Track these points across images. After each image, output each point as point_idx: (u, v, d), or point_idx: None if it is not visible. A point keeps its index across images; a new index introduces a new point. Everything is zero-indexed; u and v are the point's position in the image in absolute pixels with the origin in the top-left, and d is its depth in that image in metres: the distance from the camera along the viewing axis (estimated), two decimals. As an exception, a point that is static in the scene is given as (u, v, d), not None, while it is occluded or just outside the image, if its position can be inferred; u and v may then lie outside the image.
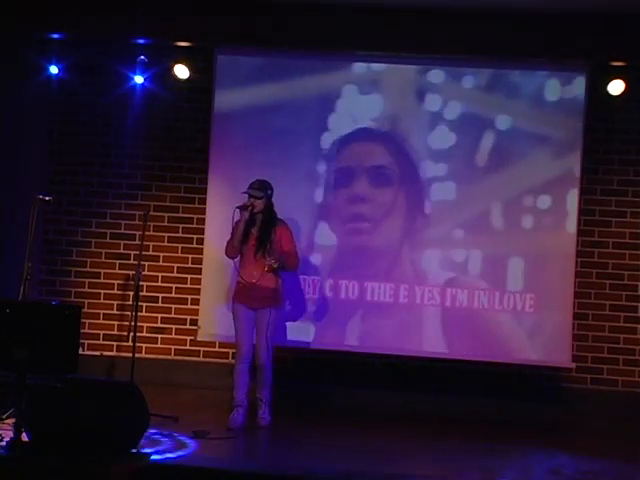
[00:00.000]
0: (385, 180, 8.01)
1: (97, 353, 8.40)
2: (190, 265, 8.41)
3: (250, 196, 6.84)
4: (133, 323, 7.21)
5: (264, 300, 6.84)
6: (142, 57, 8.05)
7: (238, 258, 6.96)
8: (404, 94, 7.99)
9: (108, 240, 8.52)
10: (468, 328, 7.84)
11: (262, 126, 8.06)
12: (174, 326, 8.43)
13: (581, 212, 7.92)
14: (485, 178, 7.93)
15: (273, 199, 6.95)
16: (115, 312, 8.48)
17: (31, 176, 8.30)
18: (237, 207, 6.84)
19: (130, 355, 7.16)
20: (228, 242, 6.95)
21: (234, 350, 7.11)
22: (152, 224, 8.28)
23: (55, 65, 8.15)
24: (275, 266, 6.80)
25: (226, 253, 6.98)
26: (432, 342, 7.88)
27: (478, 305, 7.85)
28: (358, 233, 7.98)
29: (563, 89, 7.85)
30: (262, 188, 6.87)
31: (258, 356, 6.84)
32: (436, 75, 7.96)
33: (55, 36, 7.98)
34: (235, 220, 6.86)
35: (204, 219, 8.22)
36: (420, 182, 7.98)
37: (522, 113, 7.89)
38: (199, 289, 8.22)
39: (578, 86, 7.82)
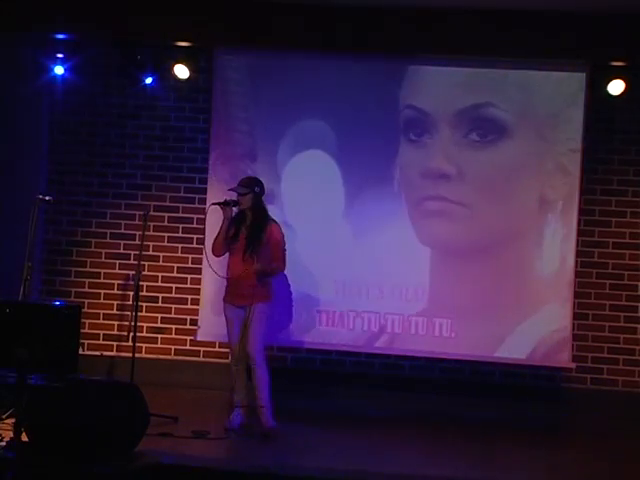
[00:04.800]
0: None
1: (97, 353, 8.40)
2: (190, 265, 8.41)
3: (238, 194, 6.73)
4: (133, 323, 7.20)
5: (248, 297, 6.62)
6: (139, 57, 8.08)
7: (227, 256, 6.82)
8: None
9: (108, 240, 8.51)
10: (468, 328, 7.85)
11: (262, 126, 8.07)
12: (174, 326, 8.43)
13: (581, 212, 7.91)
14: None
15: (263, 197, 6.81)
16: (115, 312, 8.47)
17: (31, 176, 8.30)
18: (212, 204, 6.79)
19: (130, 355, 7.15)
20: (214, 240, 6.83)
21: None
22: (152, 224, 8.28)
23: (55, 65, 8.13)
24: (257, 269, 6.60)
25: (212, 251, 6.85)
26: (432, 342, 7.88)
27: (478, 304, 7.86)
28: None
29: (563, 89, 7.85)
30: (247, 185, 6.75)
31: (248, 356, 6.67)
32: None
33: (55, 36, 7.98)
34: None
35: (204, 219, 8.18)
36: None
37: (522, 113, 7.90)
38: (199, 289, 8.22)
39: (578, 86, 7.81)
